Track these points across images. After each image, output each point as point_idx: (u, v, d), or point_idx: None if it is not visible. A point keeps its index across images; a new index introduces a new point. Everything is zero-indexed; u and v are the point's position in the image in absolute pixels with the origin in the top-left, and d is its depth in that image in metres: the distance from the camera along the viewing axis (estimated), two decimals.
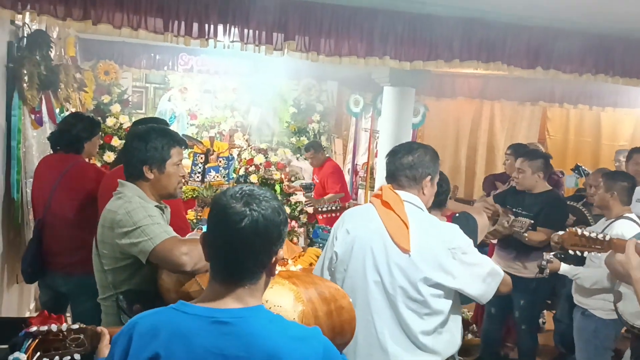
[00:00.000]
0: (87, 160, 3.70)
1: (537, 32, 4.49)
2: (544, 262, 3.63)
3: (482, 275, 2.24)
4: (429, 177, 2.33)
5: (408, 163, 2.33)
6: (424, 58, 4.17)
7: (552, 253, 3.71)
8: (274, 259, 1.39)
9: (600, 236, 2.24)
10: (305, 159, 6.72)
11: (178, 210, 3.13)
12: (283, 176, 7.39)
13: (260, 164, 7.37)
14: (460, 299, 2.32)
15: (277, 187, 7.55)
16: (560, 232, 3.80)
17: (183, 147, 2.37)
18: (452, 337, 2.31)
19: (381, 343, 2.25)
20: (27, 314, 4.57)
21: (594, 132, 8.72)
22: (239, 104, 7.53)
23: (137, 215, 2.13)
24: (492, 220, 4.14)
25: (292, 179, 7.51)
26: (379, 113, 6.66)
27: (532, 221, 3.96)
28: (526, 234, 3.96)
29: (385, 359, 2.25)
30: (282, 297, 1.68)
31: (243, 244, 1.34)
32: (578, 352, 3.70)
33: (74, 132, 3.49)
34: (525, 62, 4.44)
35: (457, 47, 4.21)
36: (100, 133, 3.79)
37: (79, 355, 1.62)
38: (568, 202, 4.48)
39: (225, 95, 7.47)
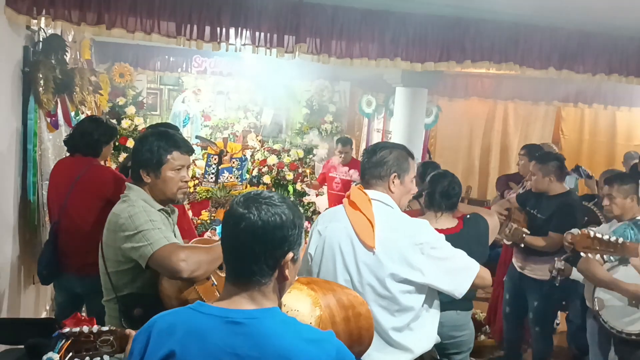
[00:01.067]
0: (102, 163, 3.76)
1: (550, 33, 4.46)
2: (554, 271, 3.61)
3: (453, 269, 2.25)
4: (395, 174, 2.34)
5: (373, 162, 2.37)
6: (435, 59, 4.16)
7: (564, 257, 3.69)
8: (282, 262, 1.40)
9: (613, 239, 2.22)
10: (340, 153, 6.41)
11: (181, 212, 3.15)
12: (296, 176, 7.44)
13: (273, 164, 7.42)
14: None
15: (290, 188, 7.60)
16: (575, 231, 3.80)
17: (186, 152, 2.34)
18: (425, 333, 2.32)
19: None
20: (44, 315, 4.64)
21: (609, 132, 8.63)
22: (252, 105, 7.58)
23: (139, 219, 2.15)
24: (505, 224, 4.14)
25: (306, 179, 7.55)
26: (391, 114, 6.66)
27: (528, 232, 3.99)
28: (522, 245, 4.04)
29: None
30: (299, 302, 1.70)
31: (243, 246, 1.38)
32: (593, 355, 3.67)
33: (95, 137, 3.56)
34: (538, 63, 4.41)
35: (469, 48, 4.20)
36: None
37: (107, 356, 1.67)
38: (584, 203, 4.45)
39: (239, 97, 7.53)
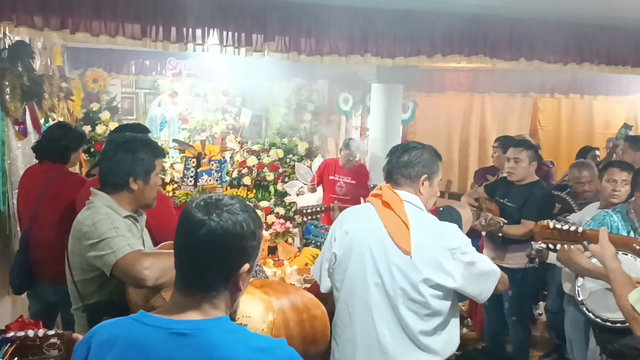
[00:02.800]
0: (70, 169, 3.71)
1: (519, 24, 4.48)
2: (533, 252, 3.62)
3: (481, 275, 2.23)
4: (426, 175, 2.30)
5: (404, 162, 2.31)
6: (405, 54, 4.16)
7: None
8: (237, 273, 1.35)
9: (572, 228, 2.22)
10: (347, 157, 6.00)
11: (169, 212, 3.13)
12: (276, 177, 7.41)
13: (253, 165, 7.37)
14: (458, 297, 2.32)
15: (271, 188, 7.57)
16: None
17: (163, 157, 2.39)
18: (450, 337, 2.30)
19: (381, 344, 2.24)
20: None
21: (586, 121, 8.70)
22: (230, 106, 7.52)
23: (102, 227, 2.11)
24: (476, 215, 4.16)
25: (286, 179, 7.52)
26: (369, 110, 6.66)
27: (506, 222, 3.97)
28: (499, 234, 4.02)
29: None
30: (251, 307, 1.67)
31: (198, 254, 1.32)
32: (573, 342, 3.69)
33: (64, 143, 3.52)
34: (508, 54, 4.43)
35: (439, 41, 4.20)
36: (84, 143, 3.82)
37: None
38: (555, 192, 4.48)
39: (216, 98, 7.47)
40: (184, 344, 1.27)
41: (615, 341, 2.84)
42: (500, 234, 4.01)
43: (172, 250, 2.16)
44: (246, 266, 1.35)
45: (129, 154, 2.25)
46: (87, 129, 6.43)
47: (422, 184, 2.31)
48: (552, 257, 3.69)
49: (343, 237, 2.34)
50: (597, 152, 5.96)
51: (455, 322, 2.33)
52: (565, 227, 2.22)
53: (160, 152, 2.36)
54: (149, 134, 3.39)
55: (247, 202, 1.43)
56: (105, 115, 6.54)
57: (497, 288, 2.28)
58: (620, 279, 2.03)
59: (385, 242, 2.22)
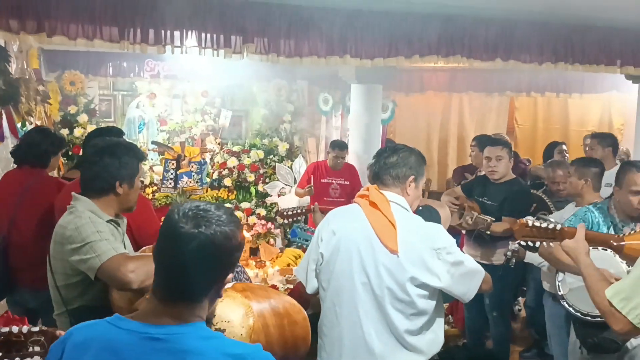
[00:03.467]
0: (50, 174, 3.69)
1: (495, 24, 4.55)
2: (509, 252, 3.68)
3: (466, 275, 2.26)
4: (413, 177, 2.34)
5: (392, 162, 2.35)
6: (384, 55, 4.20)
7: (517, 242, 3.76)
8: (221, 283, 1.37)
9: (551, 226, 2.26)
10: (336, 159, 5.89)
11: (150, 214, 3.12)
12: (257, 178, 7.41)
13: (234, 166, 7.36)
14: (443, 297, 2.35)
15: (252, 189, 7.56)
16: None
17: (144, 161, 2.46)
18: (435, 336, 2.34)
19: (368, 344, 2.27)
20: None
21: (562, 118, 8.85)
22: (209, 107, 7.49)
23: (86, 231, 2.12)
24: (458, 213, 4.21)
25: (267, 180, 7.52)
26: (349, 111, 6.69)
27: (493, 219, 4.01)
28: (488, 232, 4.03)
29: (371, 359, 2.27)
30: (231, 312, 1.67)
31: (186, 267, 1.31)
32: (551, 337, 3.76)
33: (43, 147, 3.49)
34: (485, 55, 4.49)
35: (417, 42, 4.25)
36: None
37: (39, 356, 1.62)
38: (532, 191, 4.56)
39: (195, 100, 7.43)
40: (157, 349, 1.27)
41: (595, 335, 2.90)
42: (489, 232, 4.01)
43: None
44: (230, 276, 1.37)
45: (114, 158, 2.28)
46: (64, 132, 6.35)
47: (409, 185, 2.34)
48: (529, 257, 3.74)
49: (330, 237, 2.36)
50: (564, 147, 6.04)
51: (440, 322, 2.37)
52: (544, 224, 2.27)
53: (142, 156, 2.42)
54: (124, 137, 3.41)
55: (229, 208, 1.44)
56: (83, 118, 6.47)
57: (481, 288, 2.32)
58: (595, 274, 2.07)
59: (373, 242, 2.25)
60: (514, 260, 3.65)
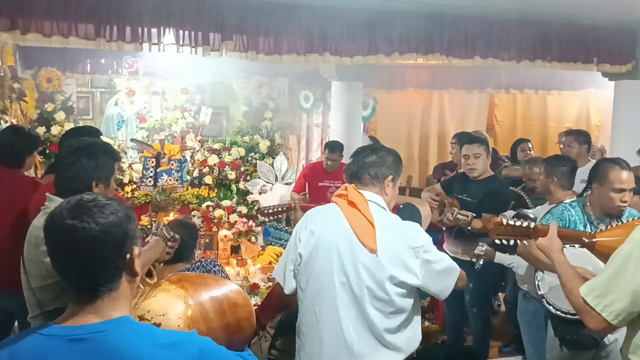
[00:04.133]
0: (26, 173, 3.62)
1: (474, 23, 4.58)
2: (475, 255, 3.69)
3: (442, 273, 2.28)
4: (391, 177, 2.36)
5: (371, 162, 2.36)
6: (364, 53, 4.20)
7: (486, 244, 3.76)
8: (127, 259, 1.33)
9: (525, 224, 2.27)
10: (327, 160, 5.67)
11: None
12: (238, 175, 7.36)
13: (214, 164, 7.31)
14: (420, 294, 2.37)
15: (233, 187, 7.51)
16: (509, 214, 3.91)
17: (119, 161, 2.47)
18: (414, 334, 2.35)
19: (347, 343, 2.27)
20: None
21: (541, 115, 8.94)
22: (189, 104, 7.41)
23: None
24: (439, 210, 4.23)
25: (248, 178, 7.49)
26: (329, 108, 6.69)
27: (475, 215, 4.01)
28: (469, 227, 4.03)
29: (351, 358, 2.28)
30: (166, 305, 1.67)
31: (85, 258, 1.29)
32: (522, 333, 3.80)
33: (18, 148, 3.43)
34: (464, 53, 4.52)
35: (397, 40, 4.26)
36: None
37: None
38: (511, 188, 4.60)
39: (175, 97, 7.34)
40: (84, 349, 1.24)
41: (574, 332, 2.93)
42: (470, 228, 4.00)
43: None
44: (136, 250, 1.35)
45: (91, 159, 2.27)
46: (41, 130, 6.25)
47: (387, 185, 2.36)
48: (499, 257, 3.77)
49: (309, 237, 2.36)
50: (529, 145, 6.08)
51: (417, 319, 2.39)
52: (518, 223, 2.28)
53: (117, 156, 2.43)
54: (101, 136, 3.37)
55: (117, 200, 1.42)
56: (60, 115, 6.36)
57: (457, 285, 2.34)
58: (569, 272, 2.08)
59: (352, 241, 2.26)
60: (481, 262, 3.67)
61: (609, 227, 2.41)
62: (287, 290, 2.48)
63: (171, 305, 1.66)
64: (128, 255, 1.33)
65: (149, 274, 2.34)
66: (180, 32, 3.65)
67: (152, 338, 1.29)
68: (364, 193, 2.33)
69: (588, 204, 3.16)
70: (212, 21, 3.71)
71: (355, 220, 2.27)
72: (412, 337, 2.35)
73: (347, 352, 2.28)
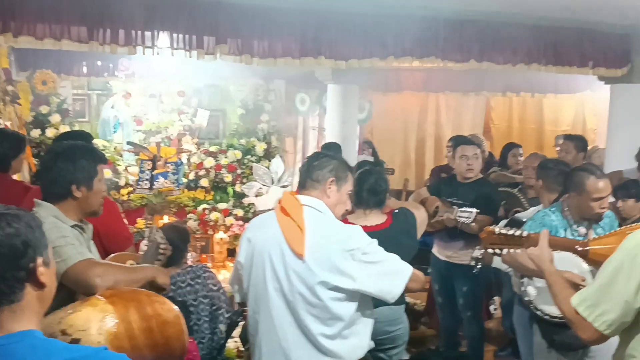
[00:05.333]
0: (13, 177, 3.60)
1: (469, 26, 4.57)
2: (472, 261, 3.67)
3: (385, 274, 2.26)
4: (332, 179, 2.36)
5: (313, 166, 2.39)
6: (358, 56, 4.20)
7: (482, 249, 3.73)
8: (29, 270, 1.28)
9: (517, 233, 2.25)
10: None
11: (117, 218, 3.07)
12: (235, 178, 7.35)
13: (211, 167, 7.29)
14: (374, 300, 2.34)
15: (230, 190, 7.50)
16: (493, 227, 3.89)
17: (105, 163, 2.40)
18: (359, 341, 2.33)
19: (284, 350, 2.27)
20: None
21: (537, 118, 8.94)
22: (185, 107, 7.41)
23: (51, 236, 2.04)
24: (431, 213, 4.21)
25: (244, 181, 7.47)
26: (325, 110, 6.68)
27: (479, 210, 3.93)
28: (474, 224, 3.90)
29: None
30: (89, 320, 1.65)
31: None
32: (518, 337, 3.79)
33: (1, 151, 3.39)
34: (459, 56, 4.52)
35: (392, 44, 4.25)
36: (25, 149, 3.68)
37: None
38: (504, 189, 4.60)
39: (171, 99, 7.33)
40: None
41: (562, 333, 2.93)
42: (474, 224, 3.87)
43: (129, 266, 2.16)
44: (39, 259, 1.30)
45: (69, 162, 2.23)
46: (36, 132, 6.24)
47: (329, 187, 2.36)
48: (496, 262, 3.75)
49: (247, 245, 2.39)
50: (520, 151, 6.02)
51: (365, 325, 2.36)
52: (511, 232, 2.26)
53: (102, 158, 2.36)
54: (95, 139, 3.34)
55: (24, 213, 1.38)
56: (55, 118, 6.35)
57: (409, 287, 2.31)
58: (560, 282, 2.06)
59: (283, 247, 2.26)
60: (479, 266, 3.65)
61: (590, 237, 2.41)
62: (237, 299, 2.53)
63: (94, 320, 1.64)
64: (32, 265, 1.28)
65: None
66: (174, 35, 3.64)
67: (54, 353, 1.24)
68: (301, 198, 2.35)
69: (566, 208, 3.16)
70: (206, 24, 3.70)
71: (285, 225, 2.28)
72: (357, 344, 2.32)
73: (284, 359, 2.27)
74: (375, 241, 2.31)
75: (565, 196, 3.18)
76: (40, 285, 1.30)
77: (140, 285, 2.12)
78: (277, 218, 2.32)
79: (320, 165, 2.38)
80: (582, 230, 3.14)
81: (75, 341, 1.58)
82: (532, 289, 2.98)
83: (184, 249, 3.45)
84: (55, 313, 1.63)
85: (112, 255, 2.39)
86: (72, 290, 2.06)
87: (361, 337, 2.33)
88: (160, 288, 2.31)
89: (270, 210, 2.54)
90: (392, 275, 2.27)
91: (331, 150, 5.08)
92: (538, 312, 2.94)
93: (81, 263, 2.01)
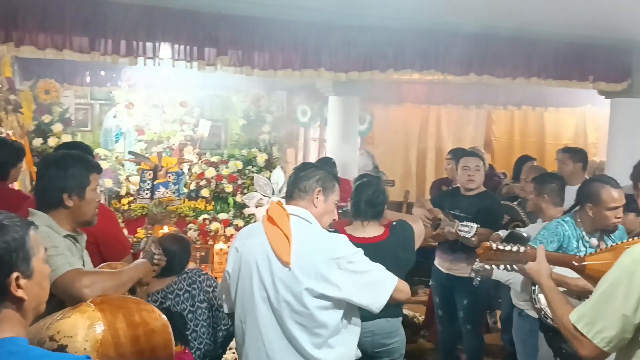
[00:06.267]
0: (11, 186, 3.61)
1: (470, 39, 4.59)
2: (472, 272, 3.66)
3: (370, 284, 2.27)
4: (319, 189, 2.39)
5: (300, 176, 2.42)
6: (359, 69, 4.21)
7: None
8: (7, 284, 1.31)
9: (514, 248, 2.25)
10: None
11: (115, 227, 3.07)
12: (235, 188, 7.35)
13: (212, 177, 7.30)
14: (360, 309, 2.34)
15: (230, 200, 7.50)
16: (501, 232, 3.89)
17: (99, 173, 2.36)
18: (346, 350, 2.33)
19: (271, 359, 2.28)
20: None
21: (538, 132, 8.94)
22: (188, 117, 7.43)
23: None
24: (434, 225, 4.20)
25: (245, 191, 7.48)
26: (326, 122, 6.70)
27: (479, 225, 3.94)
28: (474, 239, 3.90)
29: None
30: (76, 327, 1.65)
31: None
32: (517, 351, 3.78)
33: (1, 160, 3.40)
34: (459, 69, 4.53)
35: (391, 56, 4.27)
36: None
37: None
38: (504, 202, 4.60)
39: (174, 109, 7.36)
40: None
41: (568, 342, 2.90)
42: (474, 238, 3.87)
43: (114, 270, 2.15)
44: (14, 275, 1.32)
45: (60, 170, 2.22)
46: (38, 141, 6.27)
47: (316, 197, 2.39)
48: (496, 274, 3.74)
49: (235, 255, 2.41)
50: (534, 163, 6.04)
51: (353, 334, 2.36)
52: (508, 247, 2.25)
53: (95, 167, 2.34)
54: (97, 149, 3.33)
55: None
56: (57, 127, 6.37)
57: (395, 297, 2.32)
58: (558, 298, 2.05)
59: (269, 255, 2.28)
60: (479, 279, 3.65)
61: (598, 249, 2.40)
62: (226, 309, 2.55)
63: (82, 327, 1.64)
64: (6, 281, 1.31)
65: (133, 292, 2.33)
66: (176, 46, 3.66)
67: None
68: (288, 207, 2.37)
69: (578, 219, 3.18)
70: (207, 36, 3.72)
71: (272, 234, 2.30)
72: (344, 353, 2.32)
73: None
74: (360, 250, 2.32)
75: (577, 207, 3.19)
76: (14, 300, 1.32)
77: (129, 287, 2.13)
78: (264, 227, 2.35)
79: (307, 175, 2.41)
80: (594, 241, 3.16)
81: (62, 347, 1.59)
82: (542, 297, 2.96)
83: (185, 259, 3.46)
84: (45, 319, 1.64)
85: (104, 264, 2.38)
86: (61, 300, 2.06)
87: (347, 347, 2.33)
88: (143, 283, 2.34)
89: None
90: (377, 285, 2.28)
91: (326, 165, 5.03)
92: (548, 321, 2.91)
93: (69, 273, 2.01)
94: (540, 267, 2.16)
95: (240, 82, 7.13)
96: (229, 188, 7.34)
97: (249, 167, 7.51)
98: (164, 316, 1.80)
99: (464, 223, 3.98)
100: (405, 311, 4.33)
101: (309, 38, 4.06)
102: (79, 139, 6.75)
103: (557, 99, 8.10)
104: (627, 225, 3.79)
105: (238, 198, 7.42)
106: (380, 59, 4.27)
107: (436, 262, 4.43)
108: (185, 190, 7.23)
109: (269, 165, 7.57)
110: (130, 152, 6.91)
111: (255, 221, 7.07)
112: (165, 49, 3.66)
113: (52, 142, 6.21)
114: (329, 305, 2.23)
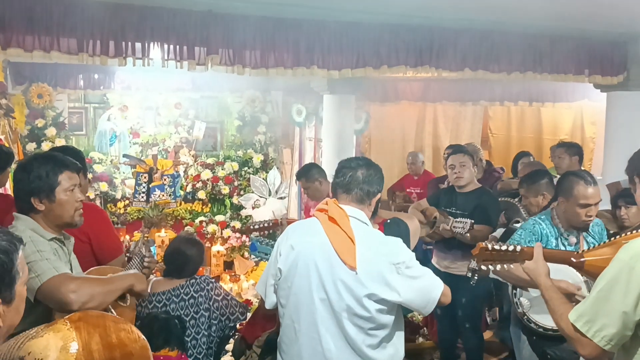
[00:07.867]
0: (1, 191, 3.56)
1: (464, 35, 4.56)
2: (469, 272, 3.63)
3: (425, 288, 2.26)
4: (379, 195, 2.37)
5: (364, 178, 2.34)
6: (351, 66, 4.17)
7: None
8: None
9: (510, 248, 2.21)
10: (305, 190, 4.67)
11: (108, 227, 3.03)
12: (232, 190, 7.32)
13: (208, 179, 7.27)
14: (402, 310, 2.34)
15: (227, 202, 7.47)
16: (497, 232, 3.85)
17: (75, 171, 2.23)
18: (396, 350, 2.33)
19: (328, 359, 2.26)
20: None
21: (535, 127, 8.92)
22: (182, 119, 7.40)
23: (26, 250, 2.02)
24: (430, 223, 4.17)
25: (242, 192, 7.44)
26: (321, 121, 6.66)
27: (473, 221, 3.92)
28: (468, 235, 3.91)
29: None
30: (47, 348, 1.58)
31: None
32: (515, 349, 3.73)
33: None
34: (454, 65, 4.49)
35: (385, 53, 4.23)
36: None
37: None
38: (504, 198, 4.55)
39: (168, 112, 7.33)
40: None
41: (555, 347, 2.86)
42: (469, 235, 3.87)
43: (103, 277, 2.11)
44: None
45: (25, 173, 2.13)
46: (32, 146, 6.24)
47: (373, 202, 2.36)
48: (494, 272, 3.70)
49: (289, 252, 2.34)
50: (532, 158, 6.03)
51: (400, 335, 2.36)
52: (504, 247, 2.22)
53: (67, 165, 2.20)
54: (92, 152, 3.28)
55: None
56: (51, 131, 6.34)
57: (440, 301, 2.31)
58: (557, 297, 2.00)
59: (331, 257, 2.23)
60: (475, 278, 3.61)
61: (592, 244, 2.36)
62: (268, 304, 2.47)
63: (53, 348, 1.58)
64: None
65: (123, 298, 2.28)
66: (165, 46, 3.61)
67: None
68: (346, 208, 2.31)
69: (555, 216, 3.11)
70: (197, 35, 3.67)
71: (335, 236, 2.25)
72: (394, 354, 2.32)
73: None
74: (414, 255, 2.31)
75: (554, 203, 3.14)
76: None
77: (119, 295, 2.08)
78: (323, 227, 2.29)
79: (372, 179, 2.34)
80: (573, 239, 3.08)
81: None
82: (525, 300, 2.92)
83: (200, 262, 3.41)
84: (18, 337, 1.58)
85: (93, 268, 2.33)
86: (49, 307, 2.02)
87: (397, 346, 2.34)
88: (139, 294, 2.27)
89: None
90: (429, 290, 2.27)
91: (314, 171, 4.66)
92: (532, 325, 2.88)
93: (55, 278, 1.96)
94: (538, 265, 2.12)
95: (235, 83, 7.10)
96: (225, 190, 7.32)
97: (245, 169, 7.49)
98: (143, 337, 1.74)
99: (458, 219, 3.96)
100: None
101: (301, 36, 4.01)
102: (73, 142, 6.73)
103: (554, 94, 8.08)
104: (631, 218, 3.74)
105: (235, 200, 7.40)
106: (374, 56, 4.22)
107: (433, 261, 4.40)
108: (181, 192, 7.20)
109: (265, 166, 7.54)
110: (124, 155, 6.87)
111: (252, 223, 7.04)
112: (154, 49, 3.61)
113: (46, 146, 6.18)
114: (386, 309, 2.23)
